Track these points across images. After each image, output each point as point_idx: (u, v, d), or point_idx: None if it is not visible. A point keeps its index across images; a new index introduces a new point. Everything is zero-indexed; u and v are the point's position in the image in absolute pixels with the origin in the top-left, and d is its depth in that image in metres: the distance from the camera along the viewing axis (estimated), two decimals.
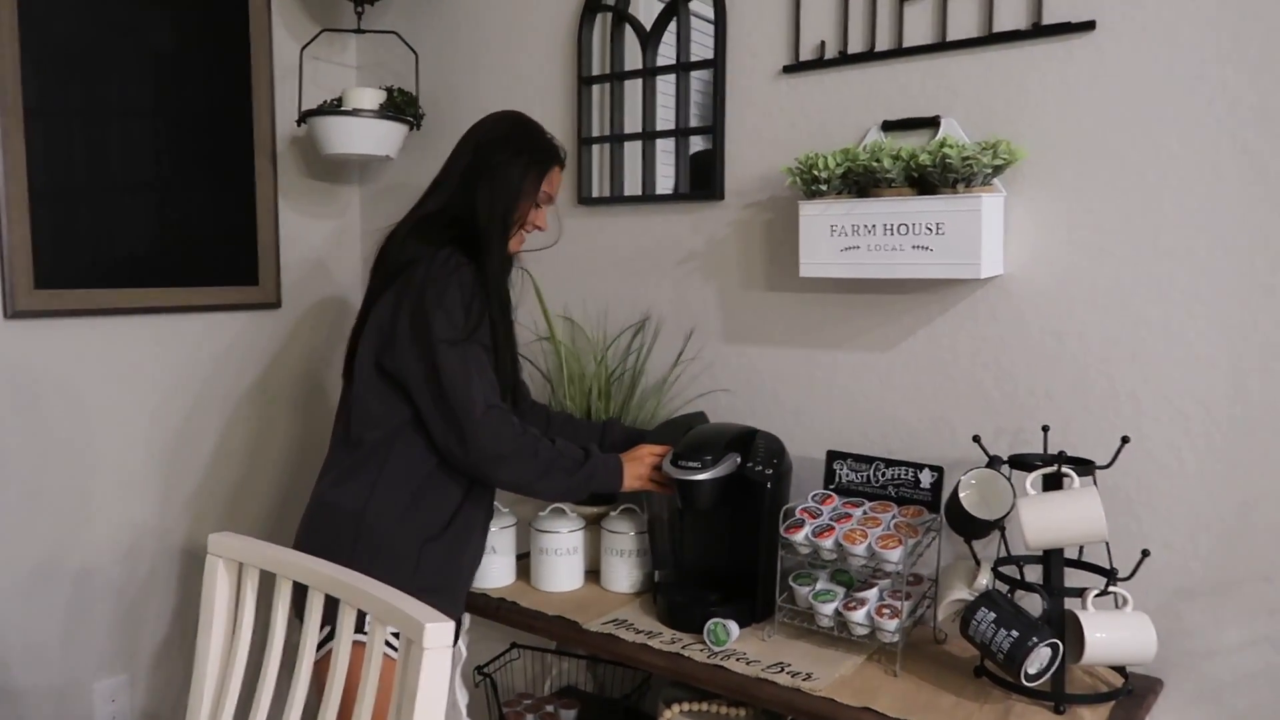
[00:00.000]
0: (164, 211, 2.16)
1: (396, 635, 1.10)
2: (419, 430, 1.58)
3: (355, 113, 2.18)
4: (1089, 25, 1.50)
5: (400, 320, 1.54)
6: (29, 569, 2.00)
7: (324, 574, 1.21)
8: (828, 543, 1.53)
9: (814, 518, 1.59)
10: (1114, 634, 1.34)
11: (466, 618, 1.79)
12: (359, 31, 2.32)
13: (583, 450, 1.63)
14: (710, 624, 1.56)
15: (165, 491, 2.21)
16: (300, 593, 1.24)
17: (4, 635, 1.98)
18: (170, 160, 2.16)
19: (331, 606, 1.21)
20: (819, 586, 1.58)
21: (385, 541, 1.55)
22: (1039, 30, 1.54)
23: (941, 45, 1.63)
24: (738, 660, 1.51)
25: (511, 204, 1.64)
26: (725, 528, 1.70)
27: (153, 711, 2.22)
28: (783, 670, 1.47)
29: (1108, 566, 1.40)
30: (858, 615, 1.50)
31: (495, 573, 1.83)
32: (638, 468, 1.67)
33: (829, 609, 1.53)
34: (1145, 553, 1.39)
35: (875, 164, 1.57)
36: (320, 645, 1.39)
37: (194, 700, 1.31)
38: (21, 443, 1.97)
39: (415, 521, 1.58)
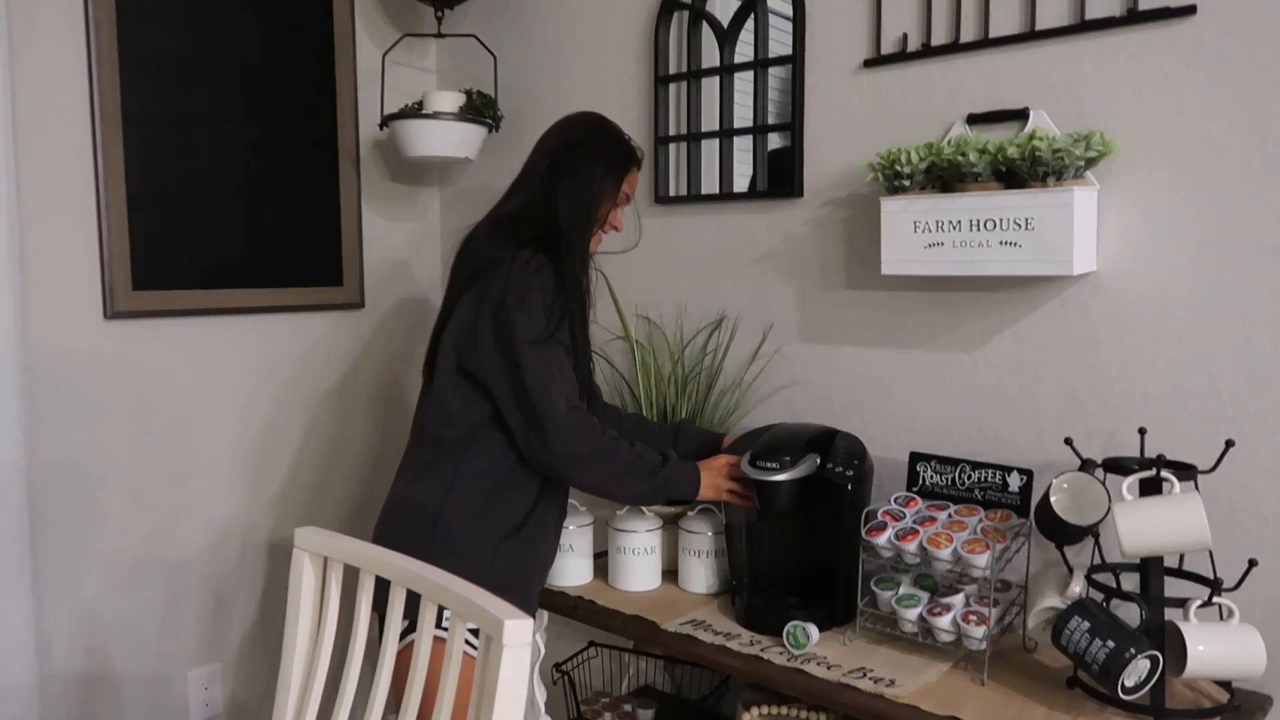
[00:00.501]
0: (252, 215, 2.23)
1: (475, 633, 1.11)
2: (497, 429, 1.60)
3: (435, 115, 2.21)
4: (1189, 10, 1.43)
5: (482, 321, 1.55)
6: (129, 560, 2.09)
7: (405, 569, 1.23)
8: (911, 546, 1.49)
9: (897, 520, 1.56)
10: (1218, 647, 1.28)
11: (544, 615, 1.80)
12: (439, 36, 2.36)
13: (661, 455, 1.62)
14: (790, 627, 1.54)
15: (253, 486, 2.28)
16: (381, 588, 1.26)
17: (106, 624, 2.06)
18: (258, 165, 2.23)
19: (412, 601, 1.22)
20: (902, 591, 1.54)
21: (461, 539, 1.57)
22: (1135, 16, 1.48)
23: (1030, 35, 1.58)
24: (818, 664, 1.48)
25: (591, 205, 1.65)
26: (804, 530, 1.68)
27: (242, 700, 2.29)
28: (865, 676, 1.44)
29: (1211, 576, 1.33)
30: (943, 621, 1.46)
31: (573, 571, 1.84)
32: (714, 477, 1.65)
33: (913, 614, 1.49)
34: (1253, 562, 1.32)
35: (960, 158, 1.53)
36: (402, 637, 1.41)
37: (281, 690, 1.35)
38: (123, 438, 2.05)
39: (490, 520, 1.59)
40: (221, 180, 2.17)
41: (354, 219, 2.40)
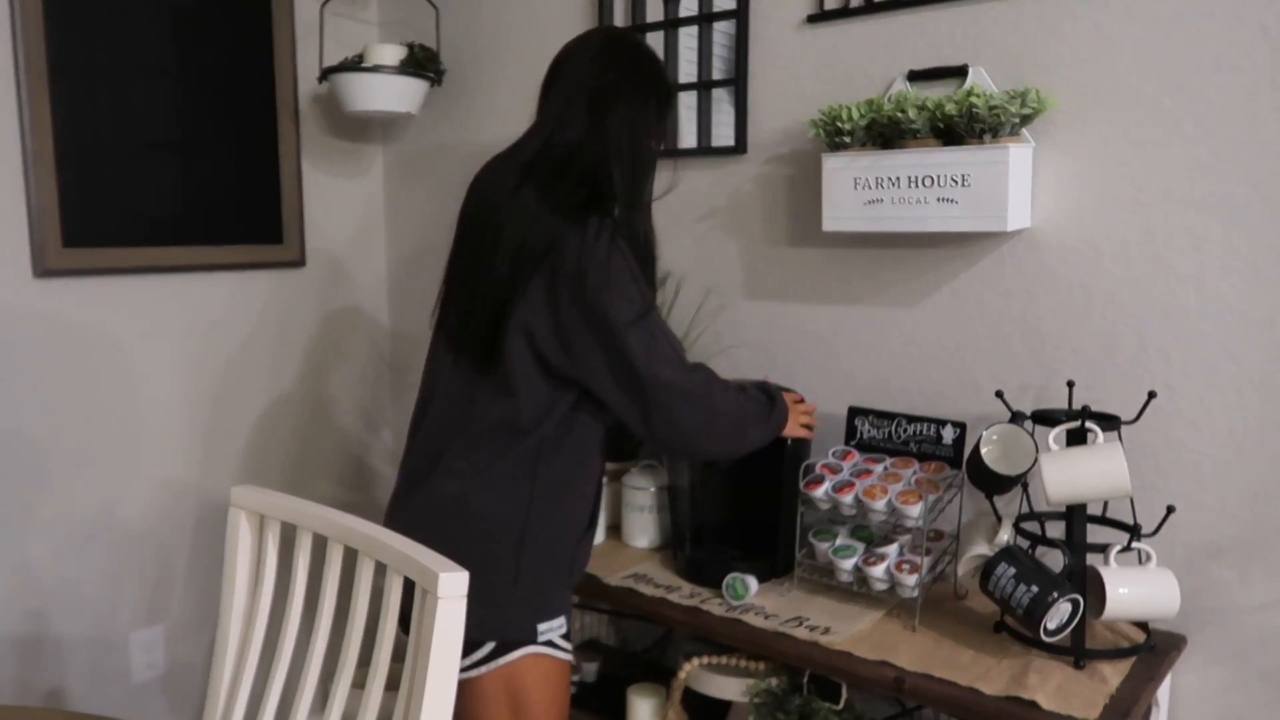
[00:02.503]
0: (189, 171, 2.17)
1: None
2: (578, 417, 1.41)
3: (376, 69, 2.17)
4: None
5: (568, 317, 1.33)
6: (70, 523, 2.05)
7: (341, 525, 1.22)
8: (848, 498, 1.52)
9: (834, 473, 1.58)
10: (1136, 590, 1.33)
11: None
12: None
13: (767, 396, 1.50)
14: (729, 579, 1.56)
15: (197, 447, 2.24)
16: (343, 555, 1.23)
17: (46, 587, 2.03)
18: (194, 119, 2.17)
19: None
20: (839, 542, 1.57)
21: (547, 550, 1.41)
22: None
23: None
24: (756, 615, 1.51)
25: (649, 152, 1.44)
26: (745, 484, 1.70)
27: (186, 661, 2.28)
28: (801, 624, 1.47)
29: (1132, 523, 1.38)
30: (877, 571, 1.49)
31: None
32: (795, 415, 1.55)
33: (849, 564, 1.53)
34: (1170, 509, 1.37)
35: (900, 115, 1.54)
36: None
37: (219, 649, 1.34)
38: (61, 399, 2.01)
39: (569, 521, 1.44)
40: (156, 134, 2.11)
41: (294, 175, 2.35)
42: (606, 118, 1.39)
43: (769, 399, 1.50)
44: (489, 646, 1.36)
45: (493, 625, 1.36)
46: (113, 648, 2.15)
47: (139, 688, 2.19)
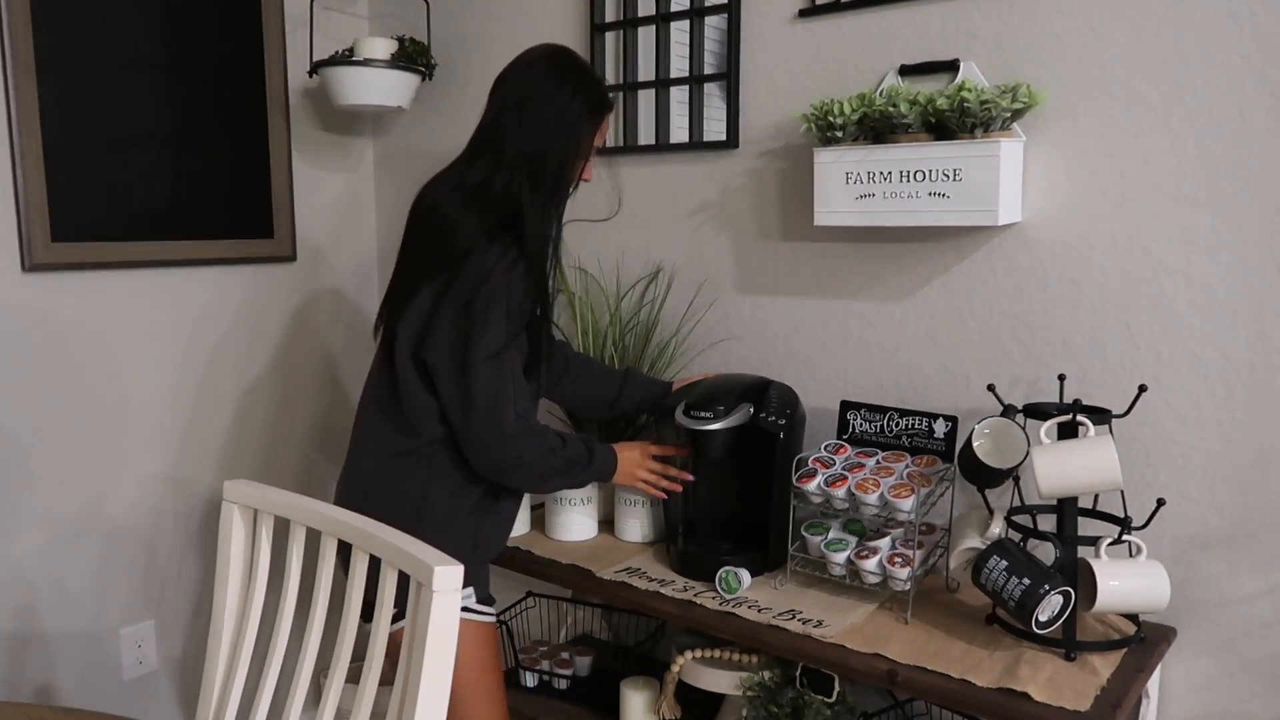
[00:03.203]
0: (178, 164, 2.16)
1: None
2: None
3: (367, 63, 2.16)
4: None
5: (442, 320, 1.47)
6: (59, 519, 2.04)
7: (335, 519, 1.22)
8: (840, 492, 1.53)
9: (827, 467, 1.59)
10: (1126, 582, 1.34)
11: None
12: None
13: (587, 451, 1.60)
14: (722, 572, 1.57)
15: (188, 442, 2.24)
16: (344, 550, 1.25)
17: (34, 583, 2.02)
18: (183, 112, 2.15)
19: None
20: (831, 536, 1.58)
21: (446, 521, 1.54)
22: None
23: None
24: (749, 608, 1.52)
25: (567, 165, 1.53)
26: (738, 478, 1.71)
27: (177, 657, 2.27)
28: (794, 618, 1.47)
29: (1122, 515, 1.39)
30: (869, 564, 1.50)
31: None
32: (629, 466, 1.67)
33: (841, 558, 1.53)
34: (1160, 501, 1.38)
35: (891, 109, 1.54)
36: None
37: (212, 644, 1.34)
38: (51, 394, 2.00)
39: (470, 500, 1.56)
40: (144, 127, 2.10)
41: (284, 169, 2.34)
42: (528, 134, 1.49)
43: (587, 457, 1.60)
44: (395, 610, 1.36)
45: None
46: (103, 643, 2.15)
47: (130, 684, 2.19)
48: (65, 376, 2.03)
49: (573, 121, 1.52)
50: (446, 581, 1.04)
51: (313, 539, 1.27)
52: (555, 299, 1.61)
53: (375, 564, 1.17)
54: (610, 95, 1.61)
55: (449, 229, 1.49)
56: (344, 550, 1.23)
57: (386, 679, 1.13)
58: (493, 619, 1.61)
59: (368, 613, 1.23)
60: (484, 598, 1.59)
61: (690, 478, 1.69)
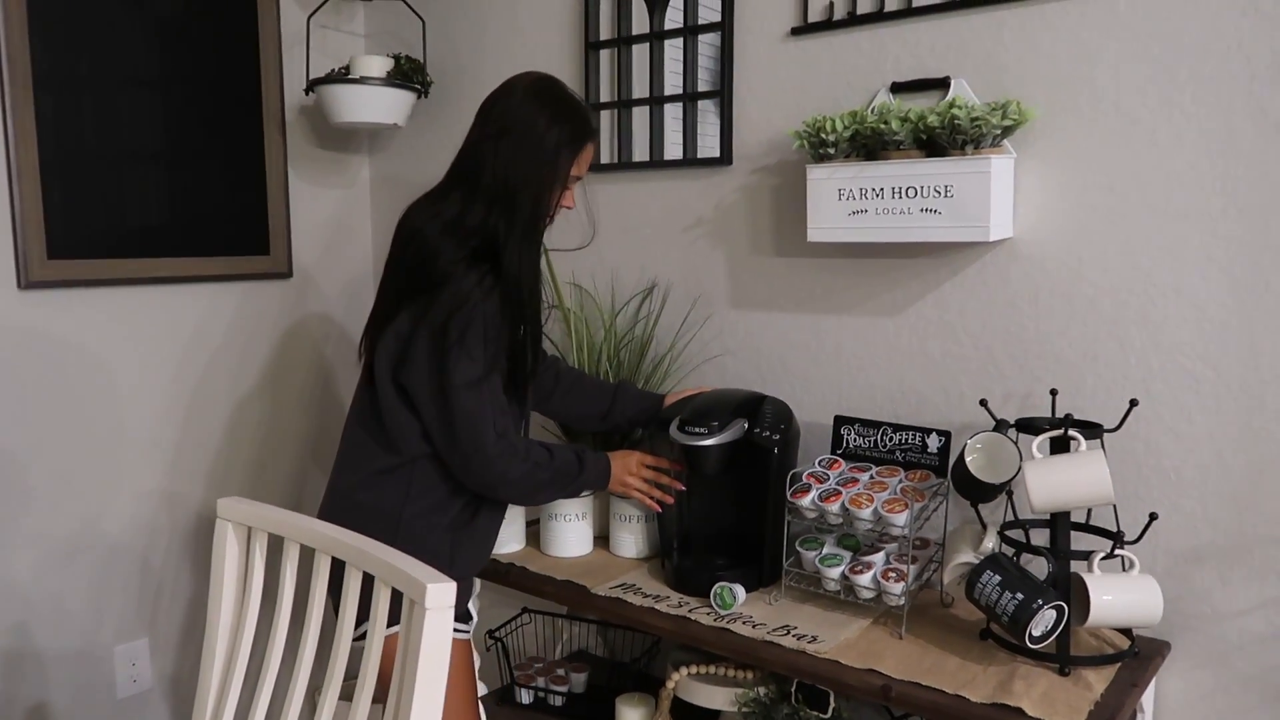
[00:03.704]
0: (174, 181, 2.17)
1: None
2: None
3: (363, 80, 2.17)
4: None
5: (418, 344, 1.49)
6: (54, 537, 2.04)
7: (329, 537, 1.22)
8: (834, 507, 1.53)
9: (821, 482, 1.59)
10: (1120, 597, 1.34)
11: (477, 582, 1.81)
12: None
13: (577, 461, 1.62)
14: (717, 588, 1.57)
15: (183, 459, 2.24)
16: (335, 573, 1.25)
17: (29, 600, 2.02)
18: (179, 130, 2.16)
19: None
20: (825, 551, 1.58)
21: (422, 537, 1.54)
22: None
23: (952, 4, 1.60)
24: (744, 623, 1.52)
25: (544, 194, 1.53)
26: (732, 493, 1.71)
27: (171, 674, 2.27)
28: (789, 633, 1.47)
29: (1115, 530, 1.39)
30: (864, 579, 1.50)
31: (506, 539, 1.85)
32: (623, 473, 1.68)
33: (835, 573, 1.53)
34: (1153, 516, 1.38)
35: (883, 126, 1.56)
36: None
37: (205, 661, 1.34)
38: (46, 412, 2.00)
39: (448, 518, 1.58)
40: (140, 145, 2.11)
41: (280, 186, 2.35)
42: (502, 158, 1.51)
43: (577, 467, 1.61)
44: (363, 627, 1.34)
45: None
46: (97, 661, 2.14)
47: (124, 702, 2.18)
48: (61, 393, 2.03)
49: (550, 151, 1.52)
50: (439, 599, 1.04)
51: (306, 556, 1.27)
52: (546, 321, 1.63)
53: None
54: (593, 124, 1.59)
55: (429, 256, 1.51)
56: (333, 567, 1.24)
57: (378, 697, 1.13)
58: (467, 636, 1.63)
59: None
60: (461, 614, 1.60)
61: (682, 487, 1.69)
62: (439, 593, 1.04)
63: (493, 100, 1.57)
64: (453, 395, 1.48)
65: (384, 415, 1.56)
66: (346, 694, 1.17)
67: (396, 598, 1.12)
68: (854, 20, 1.71)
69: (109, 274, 2.07)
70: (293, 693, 1.24)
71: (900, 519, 1.47)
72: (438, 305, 1.48)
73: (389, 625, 1.15)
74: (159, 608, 2.24)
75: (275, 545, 1.32)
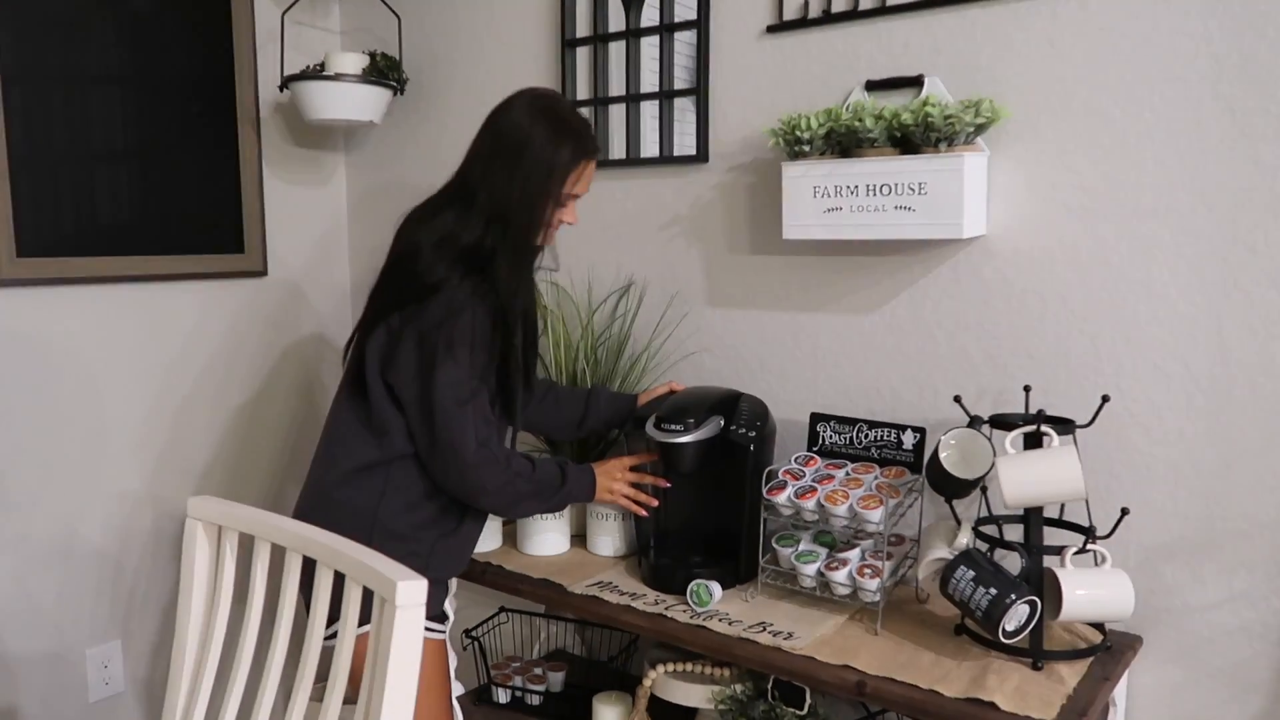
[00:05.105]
0: (146, 179, 2.15)
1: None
2: None
3: (338, 77, 2.15)
4: None
5: (406, 348, 1.50)
6: (26, 536, 2.01)
7: (300, 535, 1.21)
8: (810, 504, 1.53)
9: (796, 479, 1.59)
10: (1092, 591, 1.35)
11: (453, 582, 1.80)
12: None
13: (560, 471, 1.62)
14: (693, 585, 1.57)
15: (156, 459, 2.21)
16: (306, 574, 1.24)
17: (1, 603, 1.99)
18: (151, 127, 2.14)
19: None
20: (801, 547, 1.58)
21: (400, 533, 1.55)
22: None
23: (926, 3, 1.61)
24: (720, 621, 1.52)
25: (540, 214, 1.54)
26: (709, 491, 1.71)
27: (145, 677, 2.24)
28: (764, 630, 1.48)
29: (1087, 525, 1.40)
30: (839, 575, 1.50)
31: (482, 537, 1.83)
32: (608, 482, 1.68)
33: (811, 569, 1.54)
34: (1124, 511, 1.39)
35: (858, 124, 1.56)
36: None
37: (175, 662, 1.32)
38: (12, 410, 1.97)
39: (428, 518, 1.58)
40: (112, 142, 2.08)
41: (255, 184, 2.33)
42: (499, 176, 1.51)
43: (559, 480, 1.61)
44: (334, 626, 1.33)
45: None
46: (69, 664, 2.11)
47: (95, 705, 2.15)
48: (33, 393, 2.00)
49: (544, 169, 1.52)
50: (410, 596, 1.03)
51: (277, 555, 1.26)
52: (539, 336, 1.63)
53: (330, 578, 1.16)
54: (592, 142, 1.57)
55: (425, 269, 1.52)
56: (305, 566, 1.22)
57: (349, 698, 1.12)
58: (443, 636, 1.63)
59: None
60: (436, 615, 1.60)
61: (666, 483, 1.69)
62: (409, 590, 1.03)
63: (494, 114, 1.58)
64: (437, 401, 1.48)
65: (374, 411, 1.56)
66: (318, 696, 1.16)
67: (368, 596, 1.12)
68: (829, 18, 1.72)
69: (81, 272, 2.05)
70: (263, 693, 1.23)
71: (875, 515, 1.48)
72: (429, 311, 1.49)
73: (360, 624, 1.14)
74: (132, 610, 2.21)
75: (246, 544, 1.30)
